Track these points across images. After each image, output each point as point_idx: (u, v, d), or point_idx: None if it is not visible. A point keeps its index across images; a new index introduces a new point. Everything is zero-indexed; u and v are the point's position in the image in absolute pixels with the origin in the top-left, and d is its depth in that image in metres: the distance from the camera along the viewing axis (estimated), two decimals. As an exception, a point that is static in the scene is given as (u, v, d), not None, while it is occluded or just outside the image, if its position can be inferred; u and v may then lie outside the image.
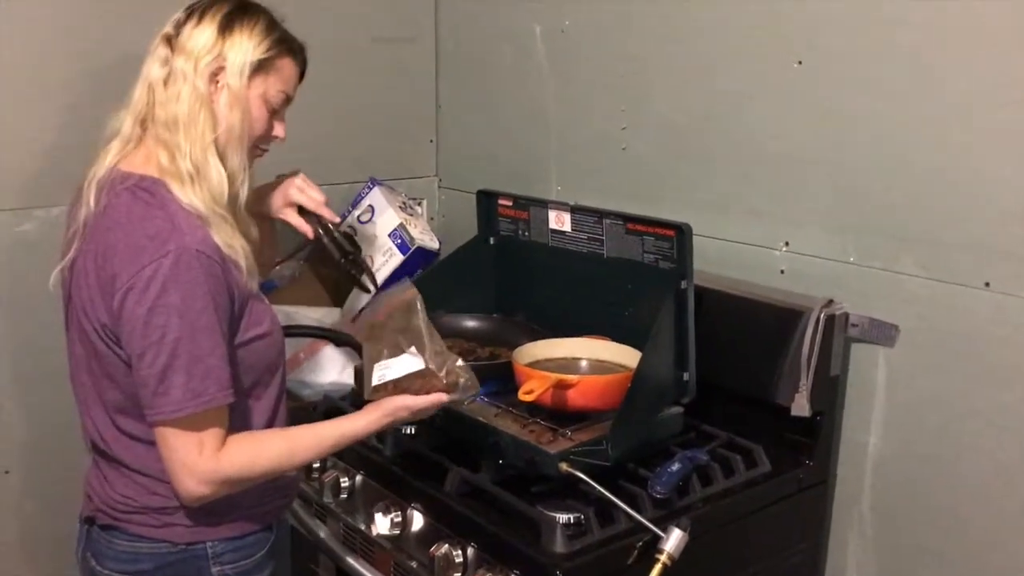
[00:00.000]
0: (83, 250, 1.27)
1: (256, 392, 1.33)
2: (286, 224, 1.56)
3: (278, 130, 1.38)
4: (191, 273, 1.18)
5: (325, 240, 1.55)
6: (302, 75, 1.40)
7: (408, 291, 1.43)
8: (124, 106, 1.31)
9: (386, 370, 1.38)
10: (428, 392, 1.35)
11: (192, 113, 1.26)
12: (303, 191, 1.54)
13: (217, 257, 1.22)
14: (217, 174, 1.27)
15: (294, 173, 1.57)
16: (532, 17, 2.13)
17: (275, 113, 1.36)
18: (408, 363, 1.36)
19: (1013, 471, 1.45)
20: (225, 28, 1.29)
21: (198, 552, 1.31)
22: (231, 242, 1.26)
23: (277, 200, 1.55)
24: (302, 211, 1.55)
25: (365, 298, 1.93)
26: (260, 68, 1.31)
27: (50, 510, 1.93)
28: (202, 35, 1.28)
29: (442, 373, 1.35)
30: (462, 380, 1.36)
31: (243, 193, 1.31)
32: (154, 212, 1.22)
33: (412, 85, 2.39)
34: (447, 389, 1.36)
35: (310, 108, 2.18)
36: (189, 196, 1.24)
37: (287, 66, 1.35)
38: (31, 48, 1.81)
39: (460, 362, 1.37)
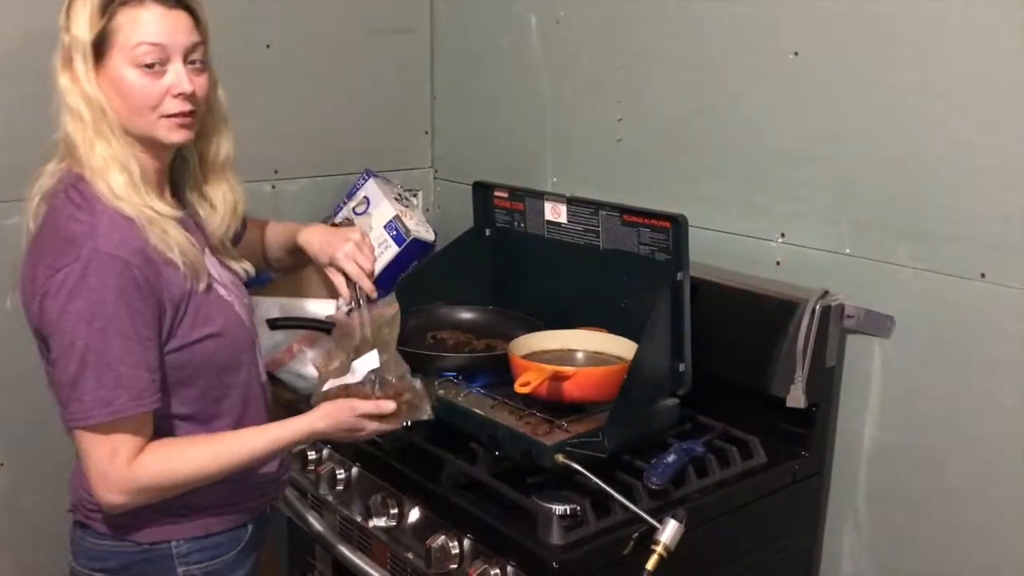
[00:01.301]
0: (25, 258, 1.26)
1: (214, 394, 1.31)
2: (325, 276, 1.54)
3: (175, 85, 1.21)
4: (100, 278, 1.15)
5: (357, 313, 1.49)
6: (181, 6, 1.23)
7: (389, 307, 1.42)
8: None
9: (347, 378, 1.35)
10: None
11: (70, 128, 1.21)
12: (351, 259, 1.48)
13: (137, 260, 1.18)
14: (115, 178, 1.21)
15: (351, 228, 1.56)
16: (527, 8, 2.12)
17: (152, 67, 1.20)
18: (367, 362, 1.34)
19: (1007, 462, 1.45)
20: (66, 16, 1.20)
21: (163, 552, 1.30)
22: (164, 239, 1.21)
23: (324, 255, 1.51)
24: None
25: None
26: (102, 43, 1.19)
27: (45, 504, 1.92)
28: (61, 40, 1.21)
29: (393, 381, 1.32)
30: (415, 402, 1.34)
31: (135, 172, 1.22)
32: (79, 214, 1.20)
33: (407, 76, 2.38)
34: (397, 401, 1.32)
35: (306, 100, 2.21)
36: (111, 201, 1.20)
37: (134, 17, 1.19)
38: (17, 40, 1.79)
39: (419, 383, 1.35)
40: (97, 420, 1.17)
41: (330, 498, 1.72)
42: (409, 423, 1.36)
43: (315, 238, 1.53)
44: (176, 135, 1.25)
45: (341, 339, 1.43)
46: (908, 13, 1.48)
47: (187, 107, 1.24)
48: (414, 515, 1.54)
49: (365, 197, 2.21)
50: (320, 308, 2.08)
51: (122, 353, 1.17)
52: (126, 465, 1.20)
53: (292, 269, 1.69)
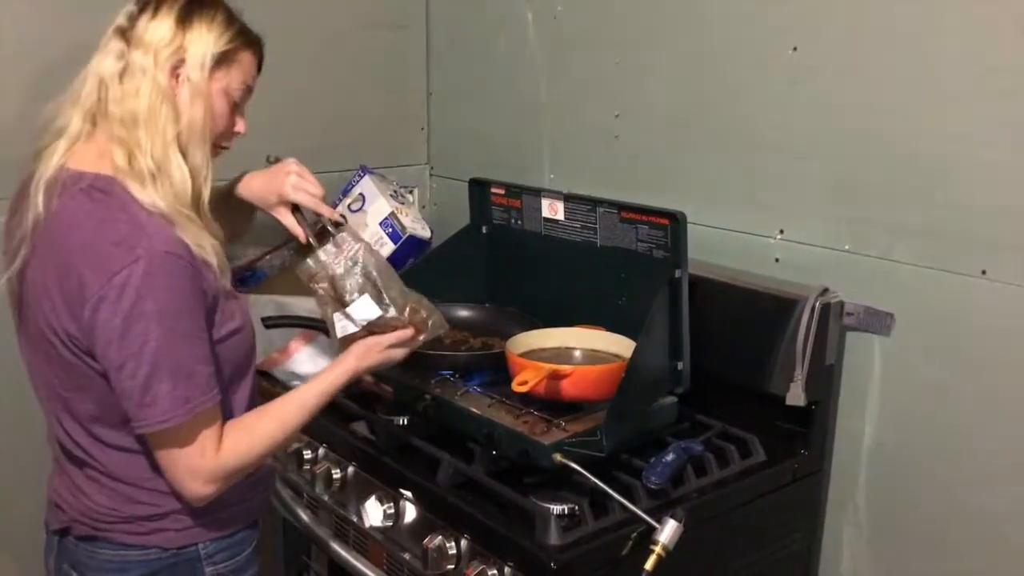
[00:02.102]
0: (36, 257, 1.21)
1: (233, 387, 1.31)
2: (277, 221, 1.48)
3: (240, 125, 1.35)
4: (164, 278, 1.15)
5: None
6: (260, 68, 1.36)
7: (355, 239, 1.43)
8: (68, 101, 1.25)
9: (346, 321, 1.39)
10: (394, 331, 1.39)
11: (153, 108, 1.21)
12: (299, 189, 1.43)
13: (187, 256, 1.18)
14: (179, 172, 1.22)
15: (285, 161, 1.47)
16: (524, 3, 2.10)
17: (236, 107, 1.32)
18: (364, 311, 1.36)
19: (1008, 460, 1.44)
20: (184, 20, 1.24)
21: (190, 555, 1.30)
22: (200, 242, 1.21)
23: (270, 195, 1.44)
24: (296, 208, 1.45)
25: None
26: (222, 61, 1.27)
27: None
28: (160, 28, 1.23)
29: (404, 315, 1.37)
30: (429, 319, 1.39)
31: (206, 191, 1.26)
32: (115, 215, 1.17)
33: (403, 72, 2.37)
34: (413, 325, 1.38)
35: (301, 95, 2.19)
36: (151, 196, 1.19)
37: (247, 58, 1.31)
38: (24, 43, 1.78)
39: (424, 300, 1.40)
40: (180, 420, 1.17)
41: (326, 498, 1.71)
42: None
43: (254, 183, 1.47)
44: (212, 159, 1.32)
45: (323, 278, 1.42)
46: (907, 8, 1.47)
47: (230, 147, 1.35)
48: (410, 515, 1.52)
49: (361, 194, 2.19)
50: (316, 306, 2.07)
51: (190, 349, 1.18)
52: (215, 455, 1.21)
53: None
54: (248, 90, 1.33)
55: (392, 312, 1.37)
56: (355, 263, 1.40)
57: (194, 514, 1.27)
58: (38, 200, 1.21)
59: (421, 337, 1.41)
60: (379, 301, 1.37)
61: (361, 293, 1.37)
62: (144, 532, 1.28)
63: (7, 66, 1.79)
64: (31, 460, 1.52)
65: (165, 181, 1.21)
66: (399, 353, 1.40)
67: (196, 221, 1.23)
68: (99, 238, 1.16)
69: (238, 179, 1.50)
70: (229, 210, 1.47)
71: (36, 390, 1.31)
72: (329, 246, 1.43)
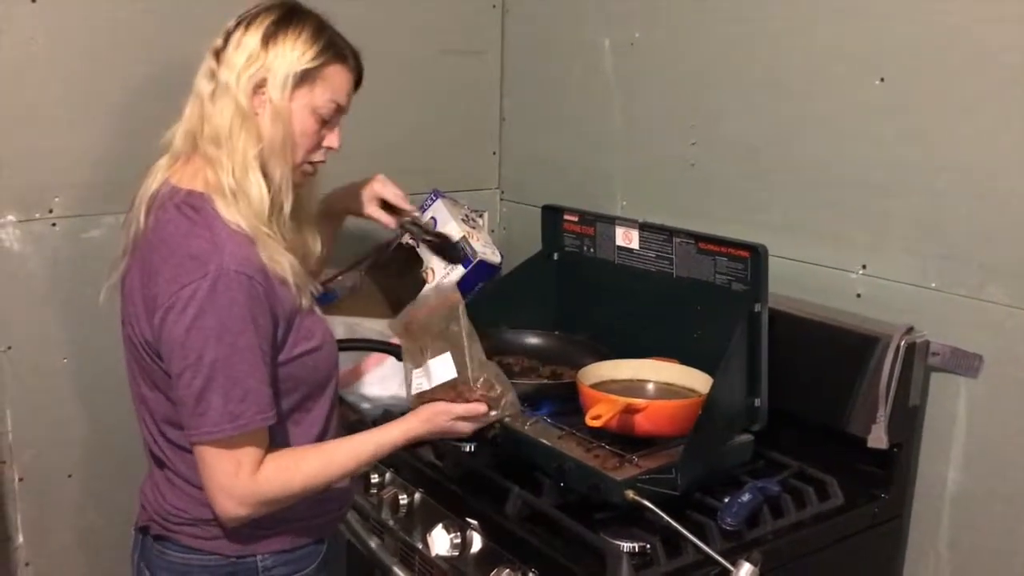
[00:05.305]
0: (131, 266, 1.27)
1: (307, 405, 1.32)
2: (373, 220, 1.68)
3: (330, 140, 1.35)
4: (229, 295, 1.17)
5: (413, 230, 1.66)
6: (358, 82, 1.36)
7: (451, 295, 1.42)
8: (177, 121, 1.31)
9: (423, 378, 1.39)
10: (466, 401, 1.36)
11: (232, 128, 1.24)
12: (386, 186, 1.64)
13: (260, 277, 1.20)
14: (258, 190, 1.25)
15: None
16: (601, 30, 2.09)
17: (326, 123, 1.32)
18: (442, 370, 1.36)
19: (1105, 514, 1.37)
20: (269, 38, 1.26)
21: (249, 565, 1.31)
22: (277, 258, 1.24)
23: (365, 196, 1.64)
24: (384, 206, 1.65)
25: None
26: (305, 79, 1.27)
27: (111, 515, 1.94)
28: (246, 47, 1.25)
29: (477, 384, 1.34)
30: (502, 397, 1.35)
31: (287, 206, 1.28)
32: (198, 230, 1.21)
33: (477, 97, 2.37)
34: (486, 401, 1.35)
35: (376, 119, 2.20)
36: (232, 213, 1.23)
37: (336, 73, 1.31)
38: (96, 54, 1.82)
39: (501, 376, 1.37)
40: (226, 434, 1.18)
41: (391, 523, 1.70)
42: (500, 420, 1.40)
43: (341, 191, 1.65)
44: (301, 180, 1.35)
45: (409, 323, 1.44)
46: (1002, 37, 1.42)
47: (324, 160, 1.35)
48: (477, 545, 1.50)
49: (433, 218, 2.18)
50: (385, 328, 2.07)
51: (249, 368, 1.19)
52: (250, 477, 1.21)
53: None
54: (338, 107, 1.32)
55: (468, 375, 1.34)
56: (447, 322, 1.38)
57: (256, 525, 1.28)
58: (140, 215, 1.27)
59: (492, 414, 1.36)
60: (459, 365, 1.35)
61: (444, 352, 1.36)
62: (207, 537, 1.29)
63: (104, 88, 1.84)
64: (130, 460, 1.56)
65: (244, 199, 1.24)
66: (466, 427, 1.36)
67: (275, 238, 1.26)
68: (179, 250, 1.20)
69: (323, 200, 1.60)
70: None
71: (132, 393, 1.34)
72: (424, 296, 1.48)
